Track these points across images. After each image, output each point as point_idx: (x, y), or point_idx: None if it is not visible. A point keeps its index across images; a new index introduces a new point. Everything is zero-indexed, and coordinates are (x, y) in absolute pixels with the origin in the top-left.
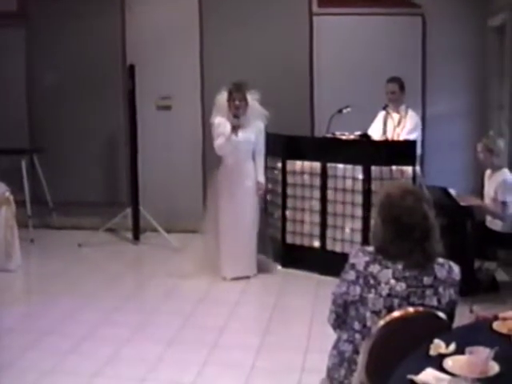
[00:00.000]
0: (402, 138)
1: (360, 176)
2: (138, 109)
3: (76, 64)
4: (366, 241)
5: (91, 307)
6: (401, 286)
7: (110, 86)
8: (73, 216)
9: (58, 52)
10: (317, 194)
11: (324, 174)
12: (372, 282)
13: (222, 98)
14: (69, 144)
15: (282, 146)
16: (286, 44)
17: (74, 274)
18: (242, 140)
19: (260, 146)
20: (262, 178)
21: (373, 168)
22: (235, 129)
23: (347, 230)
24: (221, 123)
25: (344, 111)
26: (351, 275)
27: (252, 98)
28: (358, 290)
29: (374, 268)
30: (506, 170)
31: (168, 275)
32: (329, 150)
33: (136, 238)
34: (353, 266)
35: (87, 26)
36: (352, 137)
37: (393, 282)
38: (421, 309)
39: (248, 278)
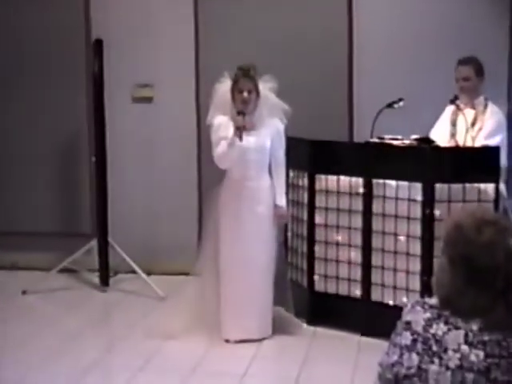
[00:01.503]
0: (478, 143)
1: (419, 197)
2: (107, 102)
3: (21, 42)
4: (427, 290)
5: (38, 382)
6: (477, 355)
7: (66, 70)
8: (15, 252)
9: None
10: (358, 221)
11: (368, 195)
12: (435, 348)
13: (224, 87)
14: (9, 154)
15: (309, 156)
16: (314, 15)
17: (15, 333)
18: (253, 146)
19: (279, 155)
20: (282, 201)
21: (437, 186)
22: (240, 130)
23: (400, 274)
24: (221, 124)
25: (396, 106)
26: (406, 338)
27: (265, 88)
28: (415, 359)
29: (439, 328)
30: None
31: (148, 335)
32: (375, 160)
33: (104, 282)
34: (408, 326)
35: None
36: (407, 142)
37: (465, 348)
38: None
39: (260, 340)
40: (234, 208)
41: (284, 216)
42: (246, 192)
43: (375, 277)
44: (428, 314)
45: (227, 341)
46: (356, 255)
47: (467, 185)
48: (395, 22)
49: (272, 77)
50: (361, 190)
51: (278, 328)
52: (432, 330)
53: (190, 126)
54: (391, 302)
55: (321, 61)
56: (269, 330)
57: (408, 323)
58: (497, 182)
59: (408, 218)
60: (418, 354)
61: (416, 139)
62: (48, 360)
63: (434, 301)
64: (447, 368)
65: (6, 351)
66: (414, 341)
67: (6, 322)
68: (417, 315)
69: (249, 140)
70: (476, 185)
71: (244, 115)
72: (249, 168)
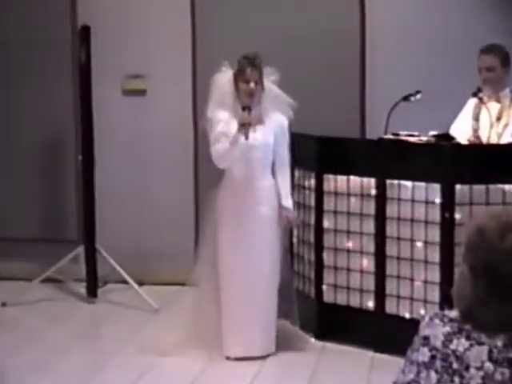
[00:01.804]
0: (504, 140)
1: (437, 199)
2: (95, 94)
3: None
4: (446, 301)
5: None
6: (502, 374)
7: (50, 60)
8: None
9: None
10: (370, 226)
11: (381, 197)
12: (456, 365)
13: (225, 78)
14: None
15: (317, 154)
16: (324, 3)
17: None
18: (258, 143)
19: (283, 153)
20: (288, 202)
21: (458, 187)
22: (245, 127)
23: (417, 284)
24: (221, 119)
25: (412, 99)
26: (423, 354)
27: (268, 81)
28: (433, 377)
29: (460, 344)
30: None
31: (140, 351)
32: (389, 159)
33: (92, 292)
34: (426, 341)
35: None
36: (425, 139)
37: (489, 366)
38: None
39: (264, 357)
40: (234, 210)
41: (291, 219)
42: (247, 192)
43: (390, 287)
44: (448, 328)
45: (227, 358)
46: (368, 263)
47: (491, 186)
48: (411, 8)
49: (275, 68)
50: (373, 192)
51: (283, 343)
52: (452, 346)
53: (186, 121)
54: (407, 315)
55: (330, 51)
56: (273, 345)
57: (426, 338)
58: None
59: (425, 223)
60: (436, 372)
61: (434, 136)
62: (30, 378)
63: (454, 313)
64: None
65: None
66: (433, 357)
67: None
68: (435, 329)
69: (253, 136)
70: (500, 186)
71: (250, 111)
72: (252, 167)
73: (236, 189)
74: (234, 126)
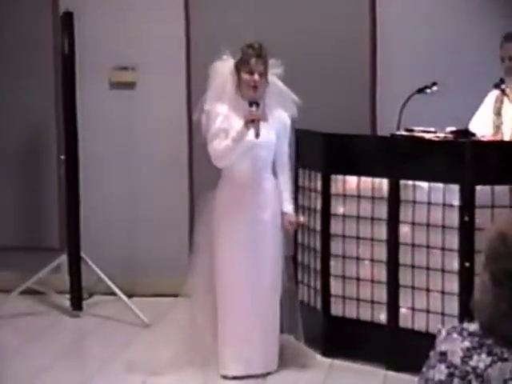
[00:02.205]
0: None
1: (456, 202)
2: (79, 88)
3: None
4: (466, 313)
5: None
6: None
7: (30, 50)
8: None
9: None
10: (382, 231)
11: (395, 199)
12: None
13: (225, 67)
14: None
15: (323, 152)
16: None
17: None
18: (262, 142)
19: (284, 151)
20: (289, 208)
21: (478, 188)
22: (256, 124)
23: (434, 294)
24: (220, 113)
25: (428, 91)
26: (440, 372)
27: (272, 74)
28: None
29: (480, 360)
30: None
31: (129, 369)
32: (402, 157)
33: (76, 305)
34: (443, 357)
35: None
36: (442, 135)
37: None
38: None
39: (265, 375)
40: (234, 214)
41: (293, 224)
42: (251, 195)
43: (403, 298)
44: (467, 343)
45: (224, 376)
46: (380, 272)
47: None
48: None
49: (278, 61)
50: (385, 194)
51: (286, 360)
52: (472, 363)
53: (179, 116)
54: (423, 329)
55: (338, 40)
56: (275, 362)
57: (443, 354)
58: None
59: (443, 227)
60: None
61: (452, 132)
62: None
63: (474, 327)
64: None
65: None
66: (451, 375)
67: None
68: (453, 344)
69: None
70: None
71: (258, 106)
72: (254, 166)
73: (237, 190)
74: (233, 122)
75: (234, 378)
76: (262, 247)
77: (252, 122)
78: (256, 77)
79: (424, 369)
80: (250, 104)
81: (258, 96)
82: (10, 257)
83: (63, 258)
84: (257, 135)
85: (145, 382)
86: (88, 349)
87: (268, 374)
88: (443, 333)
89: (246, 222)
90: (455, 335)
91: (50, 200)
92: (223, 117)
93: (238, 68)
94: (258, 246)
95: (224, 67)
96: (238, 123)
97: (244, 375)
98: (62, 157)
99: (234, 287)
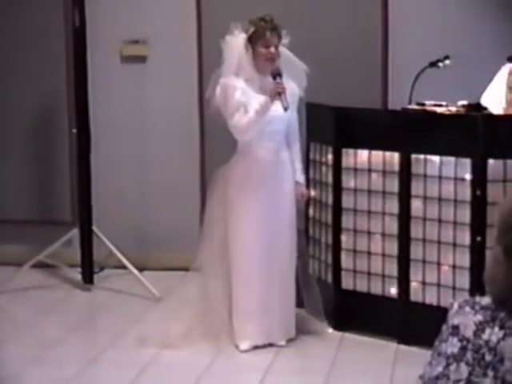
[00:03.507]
0: None
1: (467, 176)
2: (91, 62)
3: None
4: (478, 287)
5: None
6: None
7: (40, 24)
8: None
9: None
10: (394, 205)
11: (406, 173)
12: (489, 357)
13: (239, 42)
14: None
15: (334, 126)
16: None
17: None
18: (279, 114)
19: (294, 123)
20: (302, 177)
21: (490, 162)
22: (282, 97)
23: (445, 268)
24: (238, 87)
25: (440, 65)
26: (453, 345)
27: (280, 45)
28: (464, 371)
29: (493, 334)
30: None
31: (141, 342)
32: (414, 131)
33: (87, 279)
34: (455, 331)
35: None
36: (454, 109)
37: None
38: None
39: (278, 346)
40: (253, 187)
41: (304, 195)
42: (268, 169)
43: (415, 272)
44: (479, 317)
45: (239, 348)
46: (391, 246)
47: None
48: None
49: (287, 31)
50: (397, 168)
51: (298, 334)
52: (485, 336)
53: (190, 90)
54: (434, 303)
55: (349, 13)
56: (291, 331)
57: (455, 327)
58: None
59: (454, 201)
60: (467, 364)
61: (464, 105)
62: (21, 373)
63: (486, 300)
64: (503, 382)
65: None
66: (463, 349)
67: None
68: (466, 318)
69: (274, 108)
70: None
71: (281, 77)
72: (273, 139)
73: (257, 164)
74: (250, 96)
75: (247, 349)
76: (280, 218)
77: (279, 94)
78: (272, 49)
79: (436, 342)
80: (274, 77)
81: (276, 68)
82: (21, 230)
83: (75, 232)
84: (285, 108)
85: (156, 356)
86: (99, 322)
87: (281, 344)
88: (455, 306)
89: (265, 195)
90: (468, 309)
91: (61, 174)
92: (241, 90)
93: (253, 42)
94: (276, 217)
95: (237, 41)
96: (254, 97)
97: (258, 344)
98: (74, 130)
99: (253, 258)
